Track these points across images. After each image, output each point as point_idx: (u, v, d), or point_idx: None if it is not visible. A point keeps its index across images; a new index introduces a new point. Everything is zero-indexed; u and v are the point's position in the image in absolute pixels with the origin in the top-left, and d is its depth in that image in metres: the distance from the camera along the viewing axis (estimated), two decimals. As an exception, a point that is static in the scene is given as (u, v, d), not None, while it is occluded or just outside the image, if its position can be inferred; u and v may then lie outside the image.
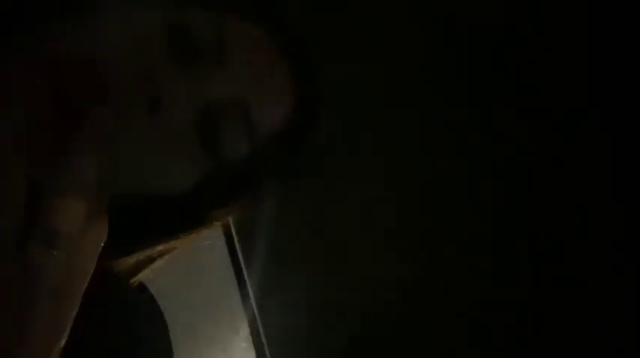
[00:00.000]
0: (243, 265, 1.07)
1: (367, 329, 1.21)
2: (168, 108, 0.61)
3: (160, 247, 0.72)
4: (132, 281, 0.76)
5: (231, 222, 0.82)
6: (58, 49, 0.60)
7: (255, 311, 1.09)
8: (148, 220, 0.67)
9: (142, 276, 0.75)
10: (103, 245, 0.55)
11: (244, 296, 1.10)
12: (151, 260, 0.74)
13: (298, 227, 1.18)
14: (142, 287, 0.78)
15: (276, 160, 0.72)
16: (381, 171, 1.20)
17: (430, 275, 1.22)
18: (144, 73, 0.60)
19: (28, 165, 0.51)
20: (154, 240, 0.72)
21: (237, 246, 1.06)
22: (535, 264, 1.18)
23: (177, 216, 0.70)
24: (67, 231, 0.51)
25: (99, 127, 0.54)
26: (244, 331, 1.15)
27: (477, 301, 1.21)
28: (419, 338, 1.23)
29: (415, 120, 1.21)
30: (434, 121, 1.20)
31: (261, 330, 1.10)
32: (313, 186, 1.14)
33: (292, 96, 0.71)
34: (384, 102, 1.21)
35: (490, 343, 1.21)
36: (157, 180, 0.65)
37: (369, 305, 1.19)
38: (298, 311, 1.15)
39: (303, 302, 1.15)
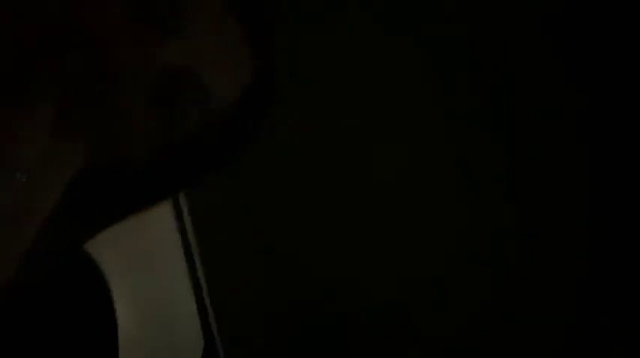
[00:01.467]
0: (192, 242, 1.07)
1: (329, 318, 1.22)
2: (123, 75, 0.60)
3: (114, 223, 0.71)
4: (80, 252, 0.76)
5: (181, 197, 0.81)
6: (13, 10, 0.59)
7: (204, 286, 1.10)
8: (105, 195, 0.66)
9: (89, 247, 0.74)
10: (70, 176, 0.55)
11: (193, 272, 1.10)
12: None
13: (256, 206, 1.18)
14: (89, 258, 0.77)
15: (234, 136, 0.71)
16: (350, 151, 1.18)
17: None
18: (99, 39, 0.59)
19: None
20: (108, 216, 0.71)
21: (188, 223, 1.06)
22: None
23: (134, 191, 0.69)
24: (29, 155, 0.52)
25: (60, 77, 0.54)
26: (191, 307, 1.15)
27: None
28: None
29: (382, 107, 1.20)
30: (407, 109, 1.19)
31: (208, 307, 1.11)
32: (272, 163, 1.14)
33: (252, 71, 0.69)
34: (349, 80, 1.19)
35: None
36: (113, 151, 0.64)
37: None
38: (251, 294, 1.17)
39: (258, 286, 1.17)
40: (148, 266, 1.13)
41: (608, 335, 1.12)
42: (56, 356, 0.70)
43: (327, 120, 1.20)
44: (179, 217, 1.11)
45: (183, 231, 1.13)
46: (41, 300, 0.65)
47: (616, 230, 1.13)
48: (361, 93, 1.20)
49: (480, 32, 1.17)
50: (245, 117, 0.66)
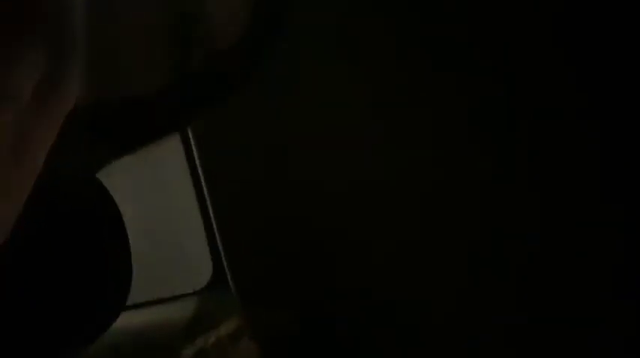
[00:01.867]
0: (202, 175, 1.07)
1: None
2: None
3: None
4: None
5: (189, 130, 0.82)
6: None
7: (213, 219, 1.10)
8: (108, 127, 0.66)
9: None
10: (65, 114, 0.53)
11: (201, 202, 1.10)
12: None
13: (255, 143, 1.18)
14: (99, 186, 0.77)
15: (235, 76, 0.71)
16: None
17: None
18: None
19: None
20: (112, 150, 0.70)
21: (196, 154, 1.06)
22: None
23: (138, 123, 0.69)
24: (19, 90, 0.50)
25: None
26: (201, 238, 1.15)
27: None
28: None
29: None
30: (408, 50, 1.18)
31: (218, 238, 1.11)
32: (273, 103, 1.14)
33: (250, 11, 0.68)
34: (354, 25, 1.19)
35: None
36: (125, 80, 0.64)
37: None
38: (257, 223, 1.16)
39: (261, 214, 1.16)
40: (158, 194, 1.13)
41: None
42: (74, 278, 0.69)
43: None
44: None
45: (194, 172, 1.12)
46: (53, 229, 0.64)
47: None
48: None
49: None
50: (246, 58, 0.66)
